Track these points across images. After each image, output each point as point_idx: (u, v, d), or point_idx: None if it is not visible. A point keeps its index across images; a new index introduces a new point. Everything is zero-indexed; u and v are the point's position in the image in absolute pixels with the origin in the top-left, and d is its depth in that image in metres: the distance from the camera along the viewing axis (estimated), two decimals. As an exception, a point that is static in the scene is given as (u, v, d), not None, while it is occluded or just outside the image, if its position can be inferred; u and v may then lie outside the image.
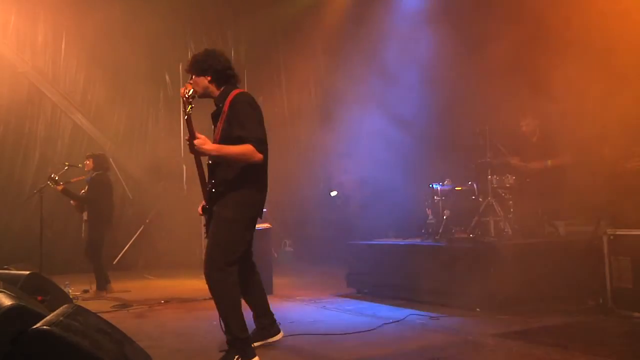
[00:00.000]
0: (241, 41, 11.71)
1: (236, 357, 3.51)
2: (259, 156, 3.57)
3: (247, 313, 3.75)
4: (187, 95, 3.54)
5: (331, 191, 11.50)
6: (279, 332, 4.07)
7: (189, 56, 3.90)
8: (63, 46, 10.32)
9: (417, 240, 6.38)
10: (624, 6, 5.59)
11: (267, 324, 4.05)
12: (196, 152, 3.56)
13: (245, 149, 3.54)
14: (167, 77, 11.37)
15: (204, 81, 3.80)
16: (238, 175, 3.64)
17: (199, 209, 3.89)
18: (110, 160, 9.23)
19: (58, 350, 2.32)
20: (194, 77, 3.81)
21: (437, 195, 6.36)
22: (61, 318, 2.45)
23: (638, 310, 4.40)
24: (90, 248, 7.02)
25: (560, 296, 5.07)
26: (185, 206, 10.93)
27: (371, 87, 9.05)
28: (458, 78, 7.30)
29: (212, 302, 5.62)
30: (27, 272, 4.91)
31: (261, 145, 3.59)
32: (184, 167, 11.32)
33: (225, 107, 3.73)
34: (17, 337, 2.36)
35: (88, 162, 7.20)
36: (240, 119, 3.63)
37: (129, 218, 10.65)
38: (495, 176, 6.12)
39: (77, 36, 10.26)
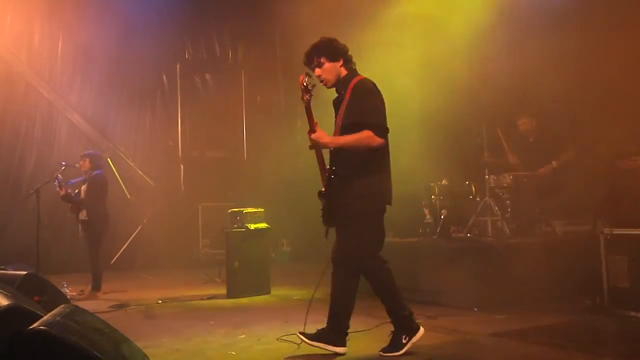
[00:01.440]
0: (240, 40, 11.70)
1: (404, 336, 3.63)
2: (379, 140, 3.57)
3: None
4: (305, 84, 3.56)
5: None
6: (344, 345, 3.82)
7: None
8: (59, 45, 10.29)
9: (415, 240, 6.38)
10: None
11: (340, 329, 3.84)
12: (315, 147, 3.60)
13: (363, 136, 3.54)
14: (164, 77, 11.35)
15: (336, 66, 3.73)
16: (360, 163, 3.62)
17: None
18: (108, 159, 9.23)
19: (55, 350, 2.32)
20: (325, 64, 3.72)
21: (435, 195, 6.36)
22: (58, 318, 2.45)
23: (634, 309, 4.41)
24: (89, 248, 7.01)
25: (557, 295, 5.08)
26: (182, 206, 10.93)
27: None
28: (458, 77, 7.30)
29: (210, 302, 5.60)
30: (24, 273, 4.90)
31: (381, 130, 3.59)
32: (181, 166, 11.31)
33: (348, 94, 3.68)
34: (14, 337, 2.35)
35: (84, 162, 7.18)
36: (361, 106, 3.62)
37: (127, 218, 10.62)
38: (492, 176, 6.13)
39: (73, 35, 10.22)
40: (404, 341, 3.64)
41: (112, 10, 10.16)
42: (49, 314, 2.51)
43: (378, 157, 3.66)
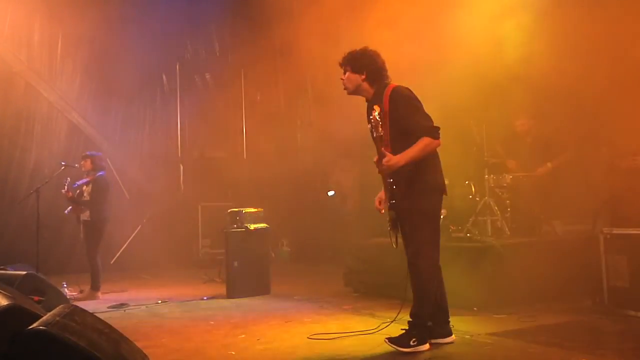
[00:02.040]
0: (239, 39, 11.69)
1: (414, 339, 3.69)
2: (438, 142, 3.71)
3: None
4: (378, 119, 3.60)
5: (328, 191, 11.50)
6: (450, 334, 3.93)
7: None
8: (59, 45, 10.28)
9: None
10: None
11: (441, 321, 3.92)
12: (387, 171, 3.69)
13: (424, 144, 3.65)
14: (163, 77, 11.35)
15: (358, 79, 3.85)
16: (414, 167, 3.71)
17: (377, 203, 3.99)
18: (108, 160, 9.22)
19: (55, 350, 2.32)
20: (347, 73, 3.87)
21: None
22: (58, 318, 2.45)
23: (634, 308, 4.41)
24: (90, 248, 7.01)
25: (557, 295, 5.08)
26: (182, 206, 10.94)
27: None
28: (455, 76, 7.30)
29: (210, 302, 5.61)
30: (24, 273, 4.91)
31: (434, 132, 3.69)
32: (181, 166, 11.31)
33: (385, 106, 3.74)
34: (14, 337, 2.35)
35: (85, 162, 7.18)
36: (407, 114, 3.72)
37: (126, 218, 10.62)
38: (492, 175, 6.13)
39: (73, 35, 10.22)
40: (411, 343, 3.69)
41: (112, 9, 10.17)
42: (48, 314, 2.51)
43: (430, 157, 3.79)
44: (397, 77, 3.99)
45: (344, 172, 11.71)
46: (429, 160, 3.79)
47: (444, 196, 3.91)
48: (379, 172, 3.75)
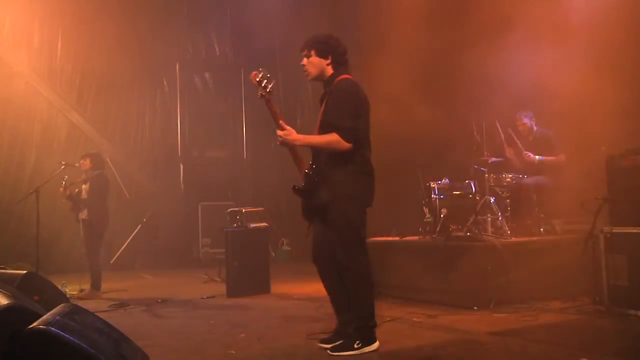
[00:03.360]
0: (239, 39, 11.69)
1: (357, 342, 3.62)
2: (346, 145, 3.56)
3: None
4: (258, 80, 3.55)
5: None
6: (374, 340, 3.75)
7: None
8: (59, 45, 10.28)
9: (415, 239, 6.38)
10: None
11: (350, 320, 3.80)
12: (283, 144, 3.61)
13: (330, 138, 3.57)
14: (163, 76, 11.35)
15: (323, 63, 3.77)
16: (343, 162, 3.63)
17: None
18: (107, 159, 9.22)
19: (55, 349, 2.32)
20: (312, 57, 3.78)
21: (434, 194, 6.36)
22: (58, 317, 2.45)
23: (634, 307, 4.41)
24: (89, 247, 7.01)
25: (557, 294, 5.08)
26: (182, 205, 10.93)
27: (369, 84, 9.04)
28: (457, 75, 7.30)
29: (210, 301, 5.60)
30: (24, 272, 4.90)
31: (347, 133, 3.56)
32: (181, 165, 11.31)
33: (329, 91, 3.73)
34: (14, 336, 2.35)
35: (85, 162, 7.18)
36: (335, 107, 3.65)
37: (126, 217, 10.62)
38: (492, 174, 6.13)
39: (73, 35, 10.22)
40: (355, 346, 3.61)
41: (112, 9, 10.17)
42: (48, 313, 2.51)
43: (358, 157, 3.67)
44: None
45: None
46: (358, 163, 3.68)
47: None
48: (279, 143, 3.64)
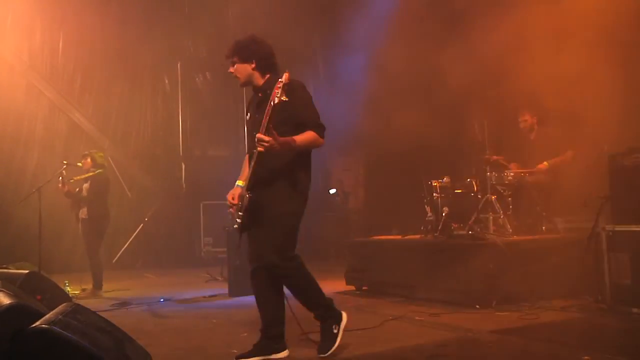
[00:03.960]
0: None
1: (334, 325, 3.62)
2: (322, 141, 3.54)
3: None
4: (286, 82, 3.30)
5: (330, 189, 11.50)
6: (285, 348, 3.70)
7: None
8: (61, 45, 10.30)
9: (416, 237, 6.38)
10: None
11: (274, 335, 3.68)
12: (269, 150, 3.35)
13: (310, 138, 3.49)
14: (165, 75, 11.35)
15: (248, 68, 3.67)
16: (288, 163, 3.54)
17: (229, 198, 3.66)
18: (109, 158, 9.24)
19: (57, 348, 2.32)
20: (236, 64, 3.69)
21: (436, 192, 6.36)
22: (60, 316, 2.45)
23: (637, 306, 4.40)
24: (89, 248, 7.02)
25: (559, 292, 5.07)
26: (184, 204, 10.94)
27: (370, 84, 9.05)
28: (457, 75, 7.30)
29: (212, 301, 5.59)
30: (26, 271, 4.92)
31: (321, 130, 3.54)
32: (183, 165, 11.31)
33: (273, 95, 3.46)
34: (16, 335, 2.35)
35: (86, 161, 7.20)
36: (299, 104, 3.52)
37: (128, 216, 10.64)
38: (494, 173, 6.13)
39: (74, 35, 10.23)
40: (335, 331, 3.62)
41: (113, 9, 10.18)
42: (51, 313, 2.51)
43: (304, 159, 3.60)
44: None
45: (346, 170, 11.72)
46: (303, 165, 3.59)
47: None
48: (260, 149, 3.34)
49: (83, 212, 7.01)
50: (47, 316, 2.45)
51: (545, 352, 3.56)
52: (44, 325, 2.35)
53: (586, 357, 3.30)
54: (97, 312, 2.87)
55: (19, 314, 2.48)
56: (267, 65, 3.68)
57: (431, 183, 6.45)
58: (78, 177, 7.22)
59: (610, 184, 4.85)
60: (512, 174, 6.09)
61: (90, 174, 7.12)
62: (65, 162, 7.30)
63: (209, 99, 11.40)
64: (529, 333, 4.02)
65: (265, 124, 3.30)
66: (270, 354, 3.63)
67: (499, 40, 6.40)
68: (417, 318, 4.73)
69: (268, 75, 3.67)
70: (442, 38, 7.33)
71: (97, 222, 7.01)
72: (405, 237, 6.46)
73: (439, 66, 7.31)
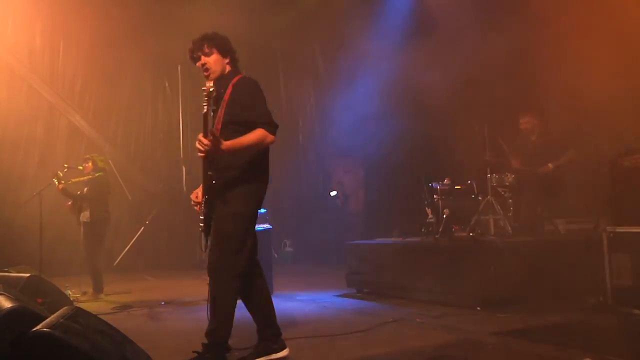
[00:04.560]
0: (240, 39, 11.69)
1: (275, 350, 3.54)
2: (271, 138, 3.43)
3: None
4: (210, 90, 3.32)
5: (331, 191, 11.51)
6: (284, 347, 3.69)
7: (187, 57, 3.76)
8: (61, 48, 10.32)
9: (417, 239, 6.38)
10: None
11: (270, 336, 3.68)
12: (211, 154, 3.32)
13: (257, 136, 3.38)
14: (165, 79, 11.36)
15: (224, 62, 3.64)
16: (243, 164, 3.46)
17: (194, 197, 3.67)
18: (110, 161, 9.24)
19: (58, 352, 2.32)
20: (214, 54, 3.60)
21: (437, 194, 6.37)
22: (61, 320, 2.45)
23: (638, 306, 4.41)
24: (89, 250, 7.02)
25: (560, 294, 5.07)
26: (184, 207, 10.93)
27: (370, 85, 9.06)
28: (457, 76, 7.31)
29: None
30: (27, 275, 4.92)
31: (271, 127, 3.44)
32: (183, 167, 11.32)
33: (229, 90, 3.53)
34: (17, 339, 2.35)
35: (87, 164, 7.20)
36: (248, 102, 3.47)
37: (129, 219, 10.65)
38: (494, 174, 6.13)
39: (75, 38, 10.25)
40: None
41: (114, 12, 10.19)
42: (52, 316, 2.51)
43: (259, 160, 3.53)
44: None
45: (346, 172, 11.72)
46: (258, 167, 3.51)
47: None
48: (200, 153, 3.34)
49: (84, 216, 7.01)
50: (48, 320, 2.45)
51: (546, 353, 3.56)
52: (45, 329, 2.35)
53: (587, 358, 3.30)
54: (98, 316, 2.87)
55: (20, 317, 2.48)
56: (236, 62, 3.70)
57: (432, 185, 6.45)
58: (76, 179, 7.22)
59: (612, 185, 4.86)
60: (512, 175, 6.09)
61: (89, 176, 7.12)
62: (66, 165, 7.30)
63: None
64: (530, 334, 4.02)
65: (210, 129, 3.29)
66: (270, 354, 3.63)
67: (498, 40, 6.42)
68: (418, 320, 4.73)
69: (230, 70, 3.67)
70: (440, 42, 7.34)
71: (98, 226, 7.01)
72: (406, 239, 6.45)
73: (437, 66, 7.33)
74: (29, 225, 8.52)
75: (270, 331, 3.68)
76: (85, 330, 2.48)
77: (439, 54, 7.44)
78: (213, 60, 3.61)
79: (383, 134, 8.43)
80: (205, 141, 3.26)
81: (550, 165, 6.12)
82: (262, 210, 6.83)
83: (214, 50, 3.61)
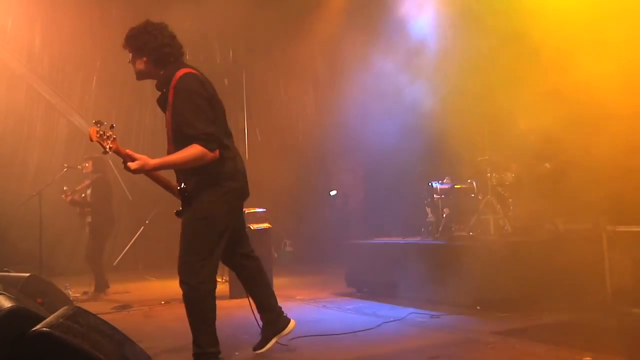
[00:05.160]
0: (239, 39, 11.70)
1: None
2: (211, 155, 3.15)
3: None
4: (99, 135, 3.01)
5: (331, 190, 11.50)
6: (288, 321, 3.74)
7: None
8: (60, 48, 10.30)
9: (417, 239, 6.38)
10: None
11: (273, 319, 3.73)
12: (141, 172, 3.15)
13: (192, 152, 3.10)
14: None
15: (141, 63, 3.33)
16: (201, 169, 3.23)
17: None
18: (109, 161, 9.23)
19: (58, 352, 2.32)
20: (131, 55, 3.36)
21: (437, 194, 6.36)
22: (61, 320, 2.45)
23: (637, 306, 4.40)
24: (92, 251, 7.02)
25: (560, 293, 5.07)
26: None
27: (369, 85, 9.05)
28: (458, 75, 7.30)
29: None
30: (27, 275, 4.91)
31: (209, 141, 3.14)
32: (183, 167, 11.32)
33: (170, 94, 3.23)
34: (17, 339, 2.35)
35: (87, 165, 7.20)
36: (181, 113, 3.16)
37: (129, 219, 10.64)
38: (494, 174, 6.12)
39: (74, 38, 10.24)
40: None
41: (112, 12, 10.19)
42: (51, 316, 2.51)
43: (226, 162, 3.30)
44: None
45: (346, 171, 11.71)
46: (217, 167, 3.26)
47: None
48: (133, 173, 3.13)
49: (89, 217, 7.01)
50: (47, 320, 2.45)
51: (546, 353, 3.56)
52: (44, 329, 2.35)
53: (587, 358, 3.30)
54: (98, 315, 2.87)
55: (20, 317, 2.48)
56: (162, 58, 3.32)
57: (431, 184, 6.45)
58: (79, 187, 7.21)
59: (611, 184, 4.85)
60: (512, 175, 6.08)
61: (88, 182, 7.12)
62: (65, 165, 7.30)
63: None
64: (530, 334, 4.02)
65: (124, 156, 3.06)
66: (277, 333, 3.71)
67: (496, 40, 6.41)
68: (417, 319, 4.73)
69: (164, 70, 3.33)
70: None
71: (102, 226, 7.02)
72: (406, 239, 6.45)
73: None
74: (29, 225, 8.54)
75: (271, 313, 3.74)
76: (85, 330, 2.48)
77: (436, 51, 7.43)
78: (132, 62, 3.38)
79: (383, 133, 8.43)
80: (130, 164, 3.07)
81: (547, 165, 6.12)
82: (261, 210, 6.95)
83: (130, 51, 3.36)
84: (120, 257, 10.44)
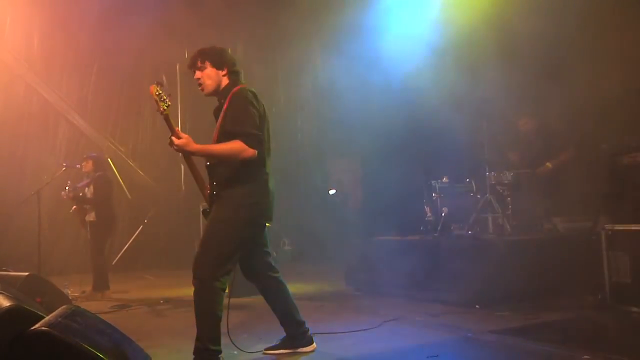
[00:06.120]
0: (239, 39, 11.69)
1: None
2: (251, 151, 3.38)
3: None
4: (158, 93, 3.34)
5: (329, 190, 11.51)
6: (311, 342, 3.83)
7: (186, 55, 3.81)
8: (59, 47, 10.29)
9: (416, 238, 6.38)
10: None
11: (297, 334, 3.83)
12: (181, 152, 3.45)
13: (232, 146, 3.37)
14: (163, 77, 11.33)
15: (219, 75, 3.65)
16: (234, 174, 3.49)
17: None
18: (109, 160, 9.23)
19: (57, 351, 2.32)
20: (207, 69, 3.64)
21: (436, 193, 6.36)
22: (60, 319, 2.45)
23: (636, 305, 4.41)
24: (94, 250, 7.01)
25: (559, 292, 5.08)
26: (183, 206, 10.93)
27: (368, 84, 9.05)
28: (458, 74, 7.30)
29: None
30: (26, 274, 4.92)
31: (252, 139, 3.40)
32: (182, 166, 11.30)
33: (226, 103, 3.58)
34: (16, 338, 2.35)
35: (87, 164, 7.19)
36: (233, 114, 3.48)
37: (128, 218, 10.63)
38: (493, 172, 6.13)
39: (73, 37, 10.23)
40: None
41: (112, 11, 10.16)
42: (50, 315, 2.51)
43: (251, 170, 3.49)
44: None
45: (345, 170, 11.72)
46: (249, 176, 3.49)
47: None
48: (176, 150, 3.48)
49: (91, 216, 6.99)
50: (46, 319, 2.45)
51: (545, 352, 3.56)
52: (43, 328, 2.35)
53: (586, 357, 3.30)
54: (97, 314, 2.87)
55: (19, 316, 2.48)
56: (236, 73, 3.70)
57: (430, 183, 6.45)
58: (79, 186, 7.20)
59: (610, 183, 4.86)
60: (511, 173, 6.09)
61: (88, 180, 7.12)
62: (64, 164, 7.29)
63: (208, 100, 11.38)
64: (528, 333, 4.02)
65: (174, 129, 3.41)
66: (297, 348, 3.80)
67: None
68: (417, 318, 4.73)
69: (227, 84, 3.67)
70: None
71: (105, 225, 7.01)
72: (405, 238, 6.46)
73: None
74: (28, 224, 8.53)
75: (294, 328, 3.83)
76: (84, 329, 2.48)
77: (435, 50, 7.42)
78: (206, 75, 3.64)
79: (382, 132, 8.42)
80: (176, 140, 3.38)
81: (548, 164, 6.13)
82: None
83: (207, 64, 3.64)
84: (119, 256, 10.43)
